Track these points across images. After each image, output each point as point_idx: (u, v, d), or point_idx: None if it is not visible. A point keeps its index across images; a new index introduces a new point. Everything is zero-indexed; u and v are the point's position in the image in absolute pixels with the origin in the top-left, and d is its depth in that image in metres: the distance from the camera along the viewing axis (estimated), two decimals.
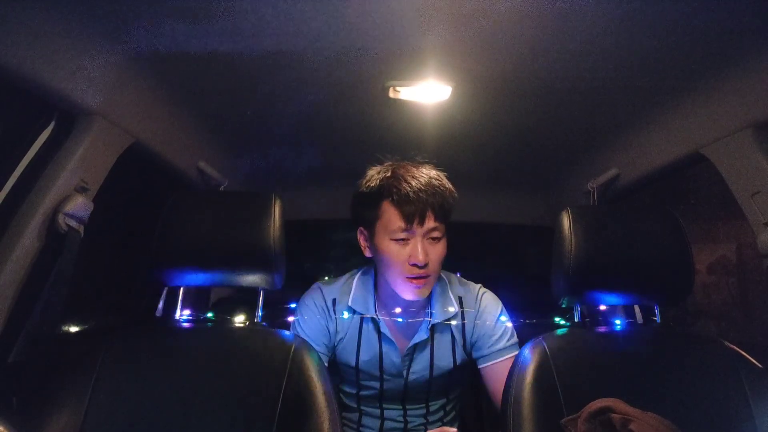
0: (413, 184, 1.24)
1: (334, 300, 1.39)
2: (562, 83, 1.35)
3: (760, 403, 1.01)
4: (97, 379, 1.01)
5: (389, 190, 1.26)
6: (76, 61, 1.10)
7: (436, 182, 1.27)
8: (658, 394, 1.02)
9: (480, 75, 1.32)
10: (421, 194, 1.23)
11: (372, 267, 1.42)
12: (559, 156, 1.92)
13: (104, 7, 1.03)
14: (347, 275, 1.46)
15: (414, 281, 1.25)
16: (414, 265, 1.24)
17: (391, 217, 1.26)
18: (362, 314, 1.37)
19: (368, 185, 1.31)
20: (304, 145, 1.88)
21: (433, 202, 1.24)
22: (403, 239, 1.25)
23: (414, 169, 1.29)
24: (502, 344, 1.37)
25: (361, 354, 1.37)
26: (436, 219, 1.25)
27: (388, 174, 1.30)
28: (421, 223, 1.24)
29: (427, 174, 1.28)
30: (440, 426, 1.48)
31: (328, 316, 1.37)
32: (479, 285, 1.47)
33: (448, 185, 1.31)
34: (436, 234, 1.26)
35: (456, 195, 1.31)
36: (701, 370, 1.07)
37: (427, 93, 1.41)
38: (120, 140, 1.34)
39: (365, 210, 1.31)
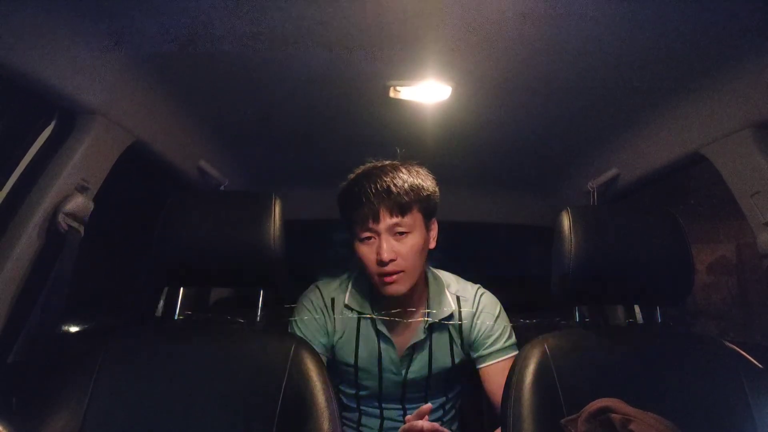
0: (365, 188, 1.25)
1: (333, 299, 1.40)
2: (561, 83, 1.35)
3: (760, 403, 1.01)
4: (97, 379, 1.01)
5: (348, 194, 1.29)
6: (77, 60, 1.10)
7: (393, 185, 1.24)
8: (658, 394, 1.02)
9: (480, 75, 1.32)
10: (371, 197, 1.24)
11: None
12: (559, 156, 1.91)
13: (105, 7, 1.03)
14: (345, 275, 1.47)
15: (385, 278, 1.26)
16: (380, 263, 1.24)
17: (354, 220, 1.28)
18: (359, 312, 1.37)
19: (341, 190, 1.34)
20: (305, 145, 1.88)
21: (385, 201, 1.24)
22: (368, 238, 1.27)
23: (375, 171, 1.29)
24: (500, 345, 1.37)
25: (359, 351, 1.37)
26: (393, 215, 1.25)
27: (352, 178, 1.32)
28: (376, 221, 1.25)
29: (388, 175, 1.26)
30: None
31: (326, 316, 1.38)
32: (478, 285, 1.47)
33: (411, 182, 1.26)
34: (400, 229, 1.26)
35: (423, 188, 1.28)
36: (701, 370, 1.07)
37: (427, 93, 1.41)
38: (121, 139, 1.34)
39: (341, 216, 1.34)
